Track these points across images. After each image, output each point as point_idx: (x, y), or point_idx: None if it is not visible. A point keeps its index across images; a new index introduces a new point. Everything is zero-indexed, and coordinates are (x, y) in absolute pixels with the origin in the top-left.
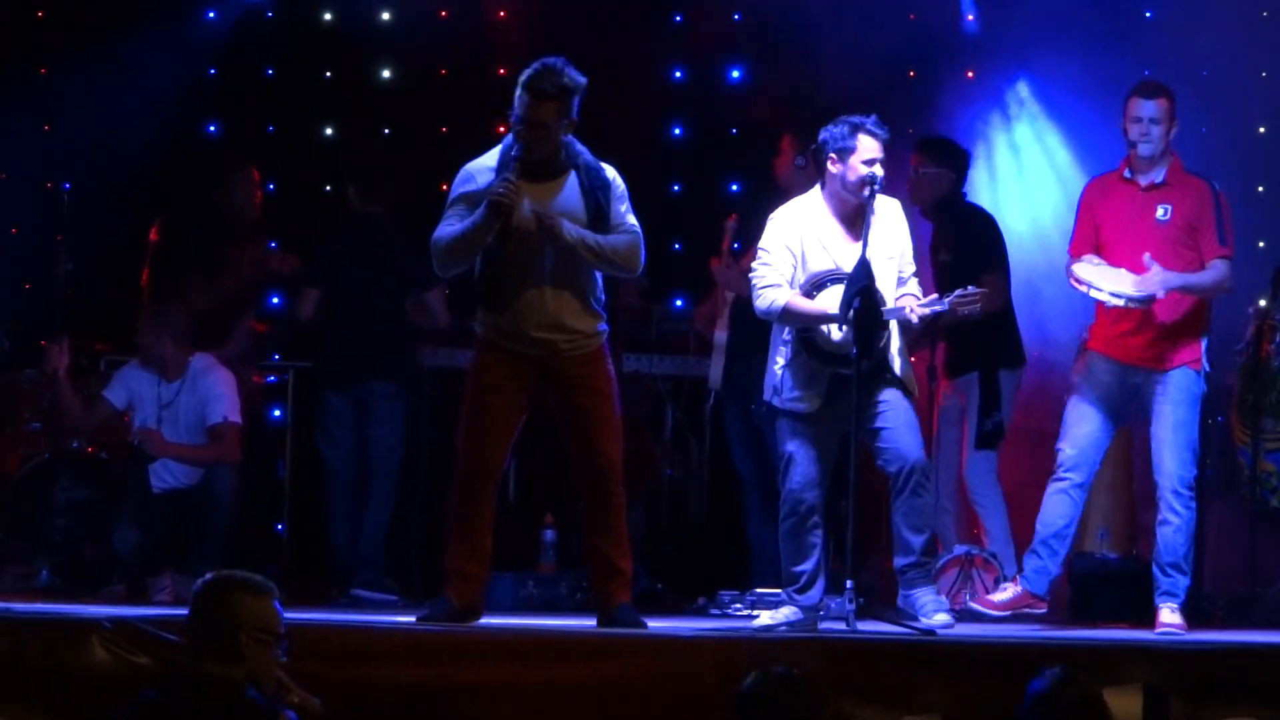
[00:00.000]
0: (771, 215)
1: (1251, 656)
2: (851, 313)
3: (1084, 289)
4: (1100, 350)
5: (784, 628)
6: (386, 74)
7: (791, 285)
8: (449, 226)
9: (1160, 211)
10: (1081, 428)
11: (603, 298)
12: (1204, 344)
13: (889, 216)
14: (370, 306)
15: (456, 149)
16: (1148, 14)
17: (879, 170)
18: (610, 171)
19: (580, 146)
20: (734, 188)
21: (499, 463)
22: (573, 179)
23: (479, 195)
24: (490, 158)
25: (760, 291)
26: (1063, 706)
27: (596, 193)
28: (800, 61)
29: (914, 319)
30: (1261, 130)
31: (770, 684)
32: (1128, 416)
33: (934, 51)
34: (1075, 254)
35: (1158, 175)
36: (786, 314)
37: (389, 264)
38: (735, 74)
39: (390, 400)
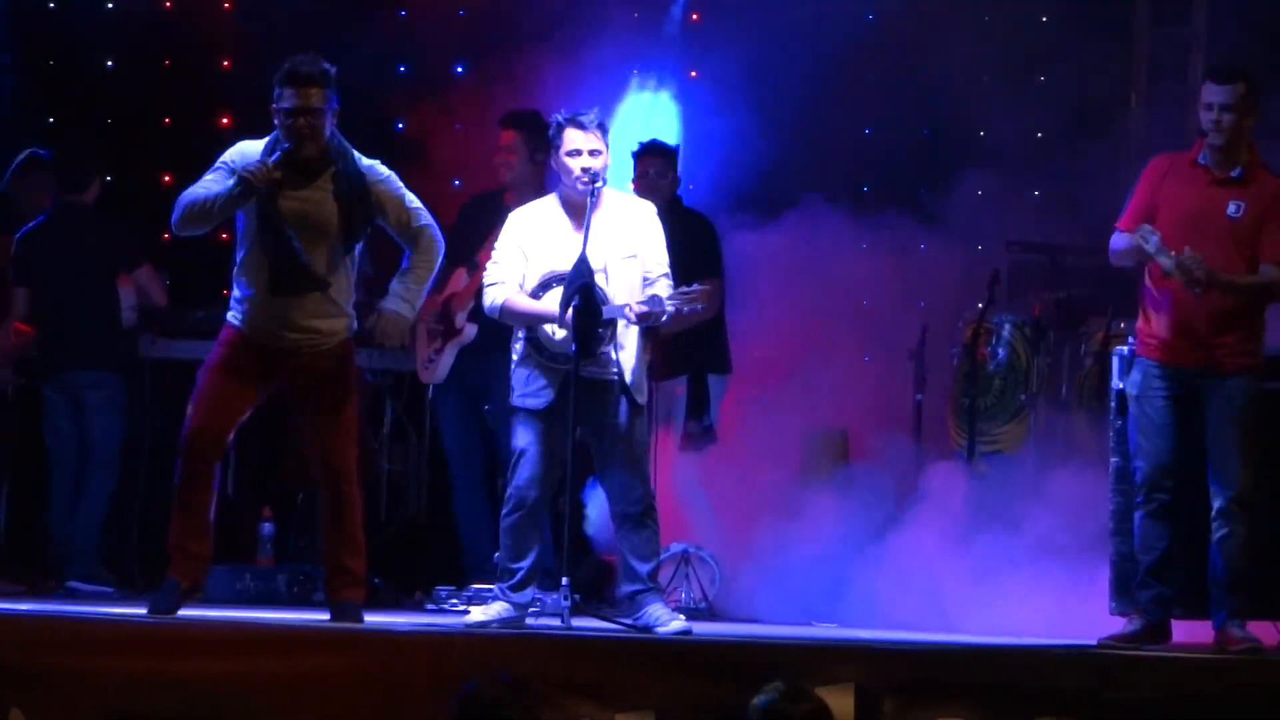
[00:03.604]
0: (511, 214)
1: (960, 657)
2: (571, 311)
3: (1137, 239)
4: (1154, 358)
5: (496, 624)
6: (110, 63)
7: (523, 286)
8: (201, 188)
9: (1232, 207)
10: (1156, 443)
11: (354, 298)
12: (1262, 347)
13: (629, 215)
14: (75, 297)
15: (179, 140)
16: (869, 16)
17: (590, 162)
18: (374, 169)
19: (346, 144)
20: (456, 183)
21: (221, 442)
22: (330, 183)
23: (238, 168)
24: (261, 143)
25: (486, 290)
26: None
27: (353, 198)
28: (525, 57)
29: (632, 316)
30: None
31: (492, 689)
32: (1190, 423)
33: (659, 49)
34: (1124, 226)
35: (1234, 168)
36: (505, 313)
37: (94, 254)
38: (458, 69)
39: (101, 390)
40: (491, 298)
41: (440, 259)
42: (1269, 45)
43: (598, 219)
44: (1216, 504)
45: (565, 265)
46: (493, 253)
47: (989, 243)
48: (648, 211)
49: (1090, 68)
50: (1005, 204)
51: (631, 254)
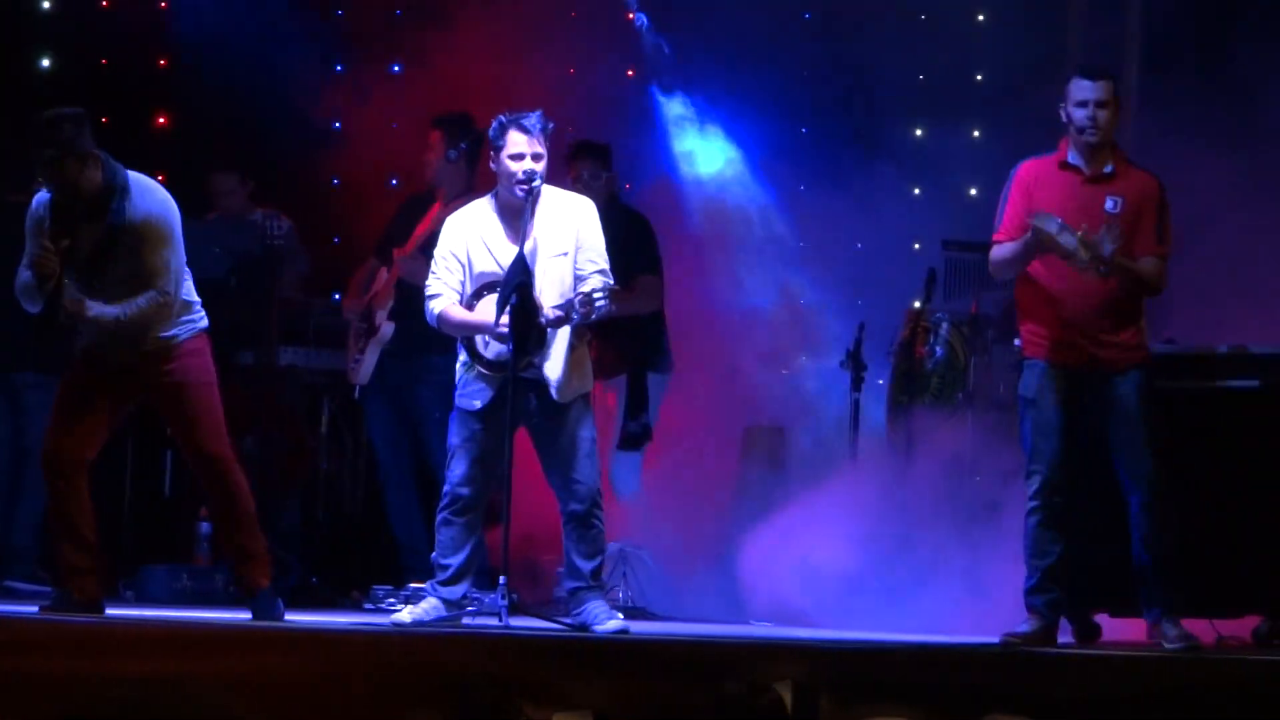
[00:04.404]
0: (447, 219)
1: (899, 656)
2: (508, 311)
3: (1040, 224)
4: (1047, 359)
5: (424, 623)
6: (46, 62)
7: (462, 291)
8: (23, 268)
9: (1110, 203)
10: (1053, 445)
11: (187, 298)
12: (1146, 340)
13: (563, 212)
14: (13, 296)
15: (117, 139)
16: (806, 15)
17: (532, 165)
18: (144, 205)
19: (121, 175)
20: (393, 182)
21: (78, 461)
22: (104, 220)
23: (36, 233)
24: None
25: (426, 301)
26: None
27: (121, 232)
28: (463, 58)
29: (546, 318)
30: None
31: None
32: (1086, 424)
33: (597, 48)
34: (1003, 238)
35: (1106, 164)
36: (443, 323)
37: None
38: (395, 68)
39: (39, 389)
40: (431, 309)
41: (143, 310)
42: (1204, 39)
43: (532, 218)
44: (1134, 501)
45: (496, 268)
46: (431, 262)
47: (926, 242)
48: (583, 207)
49: (1026, 66)
50: (942, 203)
51: (562, 251)
